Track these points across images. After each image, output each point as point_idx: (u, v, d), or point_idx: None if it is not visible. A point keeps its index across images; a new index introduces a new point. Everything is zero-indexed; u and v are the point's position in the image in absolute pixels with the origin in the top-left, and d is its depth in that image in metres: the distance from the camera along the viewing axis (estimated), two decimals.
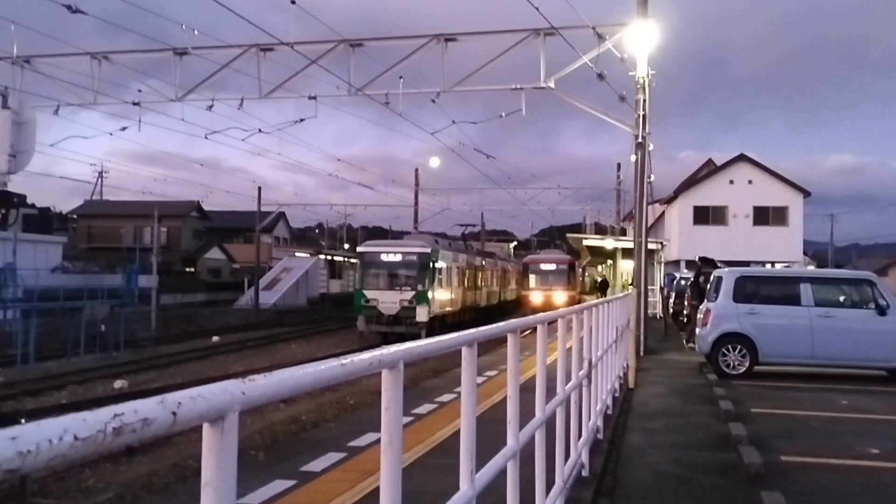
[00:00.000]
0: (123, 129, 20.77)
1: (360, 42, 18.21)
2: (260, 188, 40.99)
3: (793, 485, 5.66)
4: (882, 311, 11.57)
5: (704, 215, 36.40)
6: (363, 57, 18.31)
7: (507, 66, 17.69)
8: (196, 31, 18.20)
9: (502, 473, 3.08)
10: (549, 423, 4.08)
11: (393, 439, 1.92)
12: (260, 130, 21.96)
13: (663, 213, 42.01)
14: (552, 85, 16.97)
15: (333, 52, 18.11)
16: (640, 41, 16.11)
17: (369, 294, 24.56)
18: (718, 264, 16.08)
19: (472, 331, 2.73)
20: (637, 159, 16.78)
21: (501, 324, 3.28)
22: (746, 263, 20.36)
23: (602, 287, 35.70)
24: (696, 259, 17.57)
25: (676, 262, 34.89)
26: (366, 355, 1.77)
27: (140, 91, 19.80)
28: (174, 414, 1.02)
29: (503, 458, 3.07)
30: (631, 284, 20.90)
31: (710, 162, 44.60)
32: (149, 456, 9.61)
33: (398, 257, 25.40)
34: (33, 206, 37.27)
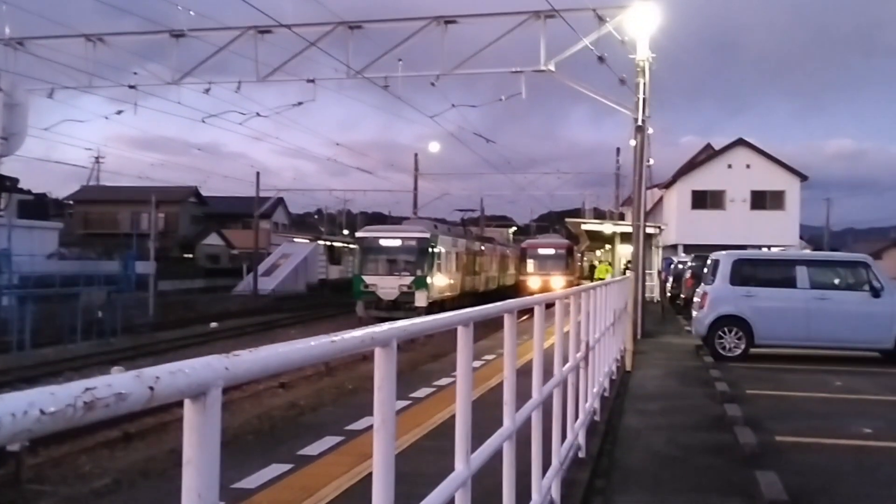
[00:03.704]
0: (119, 112, 20.59)
1: (358, 24, 18.06)
2: (258, 173, 40.82)
3: (787, 464, 5.70)
4: (876, 293, 11.63)
5: (702, 200, 36.40)
6: (362, 39, 18.18)
7: (508, 49, 17.60)
8: (192, 13, 18.04)
9: (498, 455, 3.08)
10: (546, 405, 4.08)
11: (386, 419, 1.89)
12: (258, 114, 21.83)
13: (662, 197, 41.99)
14: (552, 68, 16.87)
15: (332, 34, 17.96)
16: (641, 23, 16.00)
17: (368, 279, 24.56)
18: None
19: (468, 310, 2.71)
20: (636, 143, 16.72)
21: (498, 304, 3.27)
22: (743, 247, 20.38)
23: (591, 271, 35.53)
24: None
25: (674, 247, 34.92)
26: (357, 332, 1.73)
27: (136, 74, 19.66)
28: (151, 389, 0.98)
29: (499, 438, 3.07)
30: (628, 268, 20.91)
31: (708, 146, 44.52)
32: (146, 441, 9.65)
33: (397, 242, 25.38)
34: (29, 191, 37.15)
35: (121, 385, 0.94)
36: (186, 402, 1.11)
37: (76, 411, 0.87)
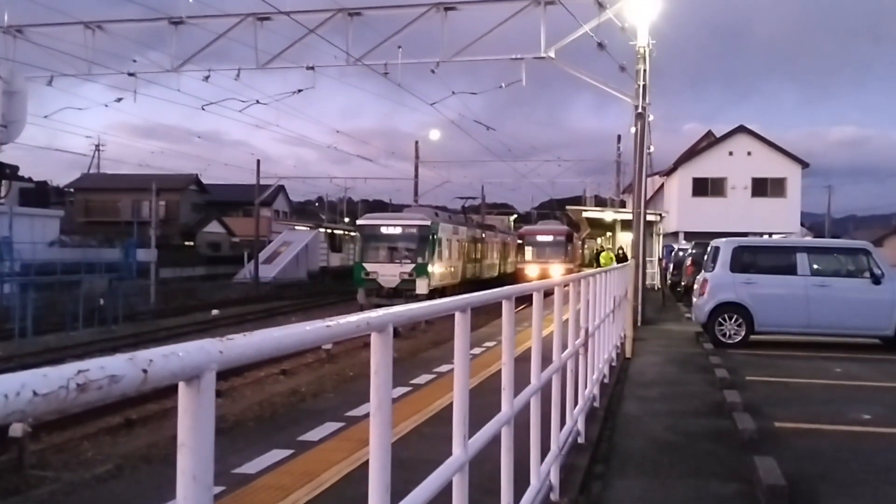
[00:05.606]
0: (119, 100, 20.52)
1: (358, 11, 17.96)
2: (259, 161, 40.68)
3: (786, 450, 5.72)
4: (877, 280, 11.63)
5: (703, 187, 36.33)
6: (362, 26, 18.09)
7: (508, 36, 17.50)
8: (191, 0, 17.93)
9: (497, 440, 3.09)
10: (545, 392, 4.09)
11: (382, 403, 1.90)
12: (258, 101, 21.74)
13: (663, 185, 41.91)
14: (552, 55, 16.78)
15: (331, 20, 17.86)
16: (642, 10, 15.90)
17: (369, 267, 24.57)
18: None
19: (465, 296, 2.72)
20: (636, 131, 16.66)
21: (495, 290, 3.27)
22: (744, 234, 20.37)
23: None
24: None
25: (675, 234, 34.90)
26: (353, 318, 1.72)
27: (135, 61, 19.58)
28: (145, 371, 0.98)
29: (497, 423, 3.08)
30: (630, 257, 20.79)
31: (709, 134, 44.36)
32: (148, 427, 9.70)
33: (398, 230, 25.37)
34: (30, 179, 37.16)
35: (114, 367, 0.93)
36: (181, 386, 1.11)
37: (69, 393, 0.86)
